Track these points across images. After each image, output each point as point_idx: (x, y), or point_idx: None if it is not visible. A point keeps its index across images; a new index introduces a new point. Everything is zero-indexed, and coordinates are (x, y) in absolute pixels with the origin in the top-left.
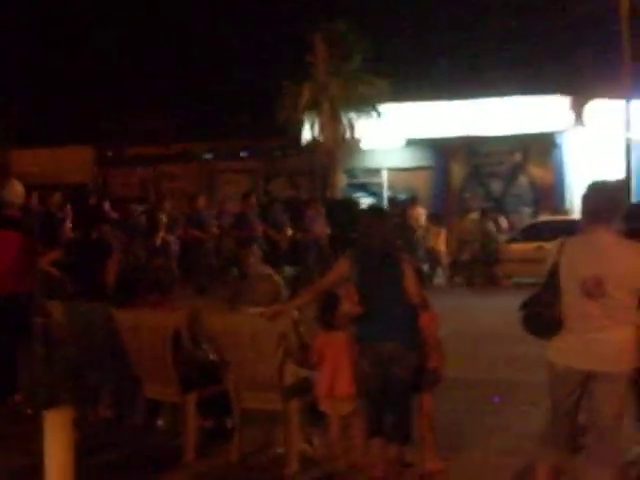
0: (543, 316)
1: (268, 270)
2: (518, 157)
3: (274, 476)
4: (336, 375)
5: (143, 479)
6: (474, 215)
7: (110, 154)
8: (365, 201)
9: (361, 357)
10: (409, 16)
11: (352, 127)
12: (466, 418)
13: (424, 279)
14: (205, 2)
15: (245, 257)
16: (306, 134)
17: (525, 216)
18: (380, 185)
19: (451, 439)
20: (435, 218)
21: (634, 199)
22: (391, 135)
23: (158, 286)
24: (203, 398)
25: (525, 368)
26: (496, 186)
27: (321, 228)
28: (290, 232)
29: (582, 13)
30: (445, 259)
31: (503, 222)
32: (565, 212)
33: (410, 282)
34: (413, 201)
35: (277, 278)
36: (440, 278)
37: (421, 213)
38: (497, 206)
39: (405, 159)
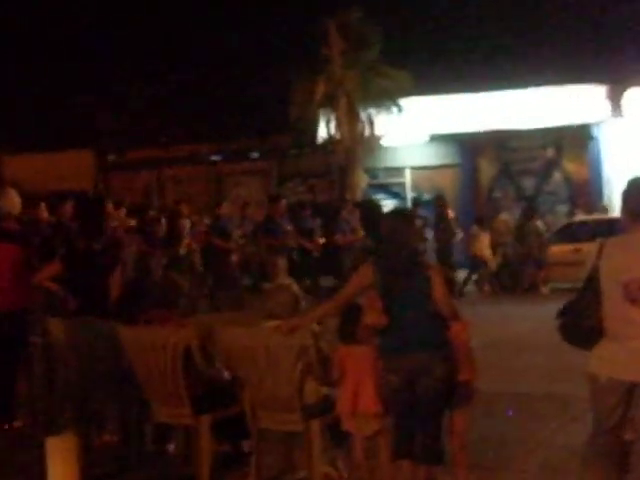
0: (582, 324)
1: (287, 280)
2: (551, 152)
3: None
4: (359, 391)
5: None
6: (505, 216)
7: (111, 158)
8: (387, 203)
9: (387, 371)
10: (430, 1)
11: (371, 123)
12: (501, 435)
13: (454, 287)
14: None
15: (274, 267)
16: (321, 132)
17: (560, 215)
18: (403, 185)
19: (485, 458)
20: (479, 221)
21: None
22: (413, 131)
23: (166, 300)
24: (217, 420)
25: (565, 380)
26: (528, 184)
27: (356, 233)
28: (322, 240)
29: None
30: (493, 265)
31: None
32: (603, 210)
33: (439, 290)
34: (441, 201)
35: (295, 288)
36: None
37: (450, 215)
38: (530, 205)
39: (429, 157)
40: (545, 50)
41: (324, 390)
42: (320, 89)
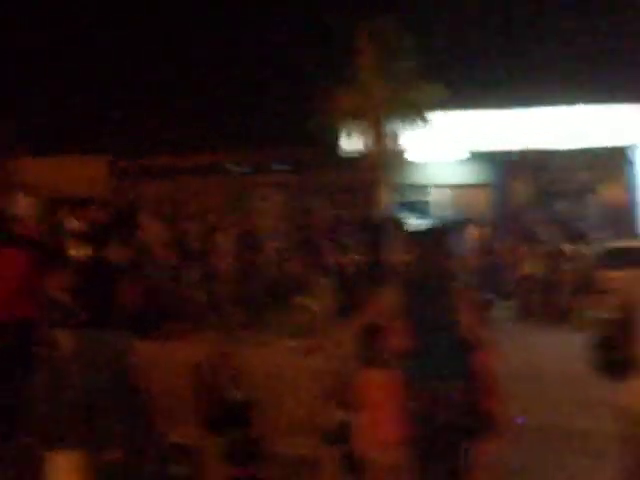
0: (617, 356)
1: (314, 299)
2: (586, 174)
3: None
4: (379, 419)
5: None
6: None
7: (124, 165)
8: (413, 222)
9: (409, 398)
10: (463, 12)
11: (398, 138)
12: (526, 470)
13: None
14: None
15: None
16: (345, 145)
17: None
18: (429, 204)
19: None
20: (529, 239)
21: None
22: (443, 148)
23: (182, 317)
24: (229, 442)
25: (595, 414)
26: (561, 207)
27: (398, 253)
28: (357, 257)
29: None
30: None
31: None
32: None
33: (465, 315)
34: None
35: (315, 308)
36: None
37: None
38: (563, 229)
39: (459, 175)
40: (581, 67)
41: (341, 415)
42: (347, 100)
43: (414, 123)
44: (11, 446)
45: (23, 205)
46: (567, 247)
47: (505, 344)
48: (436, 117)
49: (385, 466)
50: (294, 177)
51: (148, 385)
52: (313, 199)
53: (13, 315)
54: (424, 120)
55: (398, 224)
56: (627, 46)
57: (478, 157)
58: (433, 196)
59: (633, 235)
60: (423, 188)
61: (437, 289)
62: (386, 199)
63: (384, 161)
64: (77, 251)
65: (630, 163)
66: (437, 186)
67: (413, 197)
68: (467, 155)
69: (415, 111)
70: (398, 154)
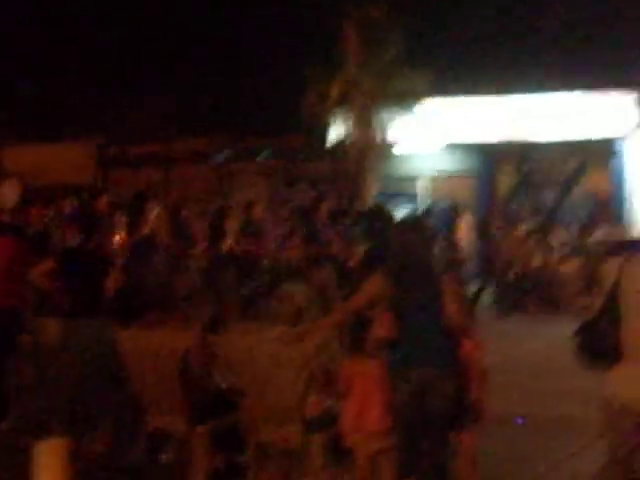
0: (600, 344)
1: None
2: (573, 164)
3: None
4: (365, 407)
5: None
6: (523, 228)
7: (112, 152)
8: (399, 212)
9: (395, 386)
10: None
11: (385, 127)
12: (511, 459)
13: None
14: None
15: (318, 279)
16: (332, 134)
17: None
18: (415, 194)
19: None
20: (543, 230)
21: None
22: (429, 138)
23: (165, 303)
24: (214, 431)
25: (580, 403)
26: (548, 197)
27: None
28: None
29: None
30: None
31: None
32: (623, 227)
33: (450, 304)
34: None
35: (301, 297)
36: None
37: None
38: (548, 220)
39: (445, 165)
40: (575, 54)
41: (327, 403)
42: (335, 89)
43: (401, 112)
44: None
45: (8, 193)
46: (552, 237)
47: (490, 334)
48: (422, 106)
49: (370, 454)
50: (280, 165)
51: (133, 373)
52: (298, 188)
53: None
54: (410, 108)
55: (381, 212)
56: (613, 33)
57: (463, 147)
58: (419, 186)
59: (617, 225)
60: (409, 178)
61: (421, 278)
62: (372, 189)
63: (371, 150)
64: (64, 239)
65: (615, 154)
66: (422, 176)
67: (398, 187)
68: (452, 145)
69: (402, 99)
70: (385, 143)
